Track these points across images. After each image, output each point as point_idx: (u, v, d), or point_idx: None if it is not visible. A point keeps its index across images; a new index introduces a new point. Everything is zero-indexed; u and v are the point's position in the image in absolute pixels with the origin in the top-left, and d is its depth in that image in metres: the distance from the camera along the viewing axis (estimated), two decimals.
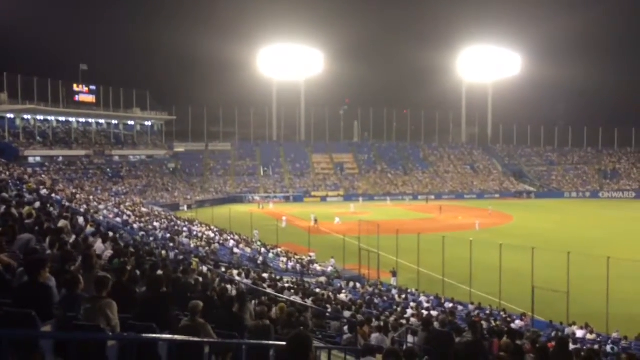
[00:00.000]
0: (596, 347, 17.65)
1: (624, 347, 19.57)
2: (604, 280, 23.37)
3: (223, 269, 21.85)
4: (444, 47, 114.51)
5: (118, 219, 33.20)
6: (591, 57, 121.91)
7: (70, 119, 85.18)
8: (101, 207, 36.92)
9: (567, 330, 20.97)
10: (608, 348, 18.48)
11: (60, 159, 76.08)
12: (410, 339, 12.39)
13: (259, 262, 31.47)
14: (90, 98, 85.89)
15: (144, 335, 5.56)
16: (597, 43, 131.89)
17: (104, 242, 13.09)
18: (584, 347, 16.35)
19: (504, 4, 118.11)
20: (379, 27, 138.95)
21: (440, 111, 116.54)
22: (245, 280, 18.60)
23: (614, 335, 21.29)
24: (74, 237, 12.55)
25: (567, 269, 24.22)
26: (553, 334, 19.38)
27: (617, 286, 24.23)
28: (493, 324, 19.43)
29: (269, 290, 16.44)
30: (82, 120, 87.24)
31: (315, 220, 53.11)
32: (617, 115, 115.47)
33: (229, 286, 14.33)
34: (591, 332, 21.06)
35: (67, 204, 26.85)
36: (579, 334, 20.64)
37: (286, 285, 20.72)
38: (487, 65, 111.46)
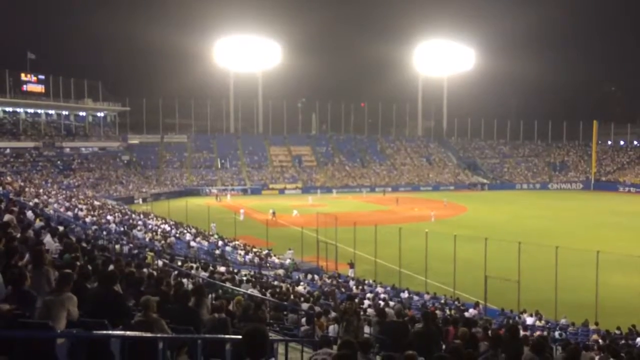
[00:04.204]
0: (545, 333, 18.29)
1: (572, 333, 20.37)
2: (552, 268, 24.22)
3: (179, 263, 21.54)
4: (401, 40, 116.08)
5: (69, 213, 32.25)
6: (542, 52, 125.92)
7: (18, 110, 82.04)
8: (51, 200, 35.82)
9: (518, 318, 21.63)
10: (556, 334, 19.18)
11: (8, 150, 73.23)
12: (366, 329, 12.51)
13: (216, 255, 31.16)
14: (39, 88, 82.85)
15: (95, 332, 5.42)
16: (547, 39, 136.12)
17: (53, 236, 12.67)
18: (534, 334, 16.91)
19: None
20: (337, 20, 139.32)
21: (397, 104, 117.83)
22: (202, 274, 18.38)
23: (562, 321, 22.10)
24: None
25: (518, 259, 24.98)
26: (504, 321, 19.95)
27: (565, 274, 25.17)
28: (448, 312, 19.87)
29: (227, 284, 16.29)
30: (31, 110, 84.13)
31: (273, 213, 52.99)
32: (565, 109, 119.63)
33: (184, 280, 14.14)
34: (540, 319, 21.79)
35: (15, 197, 25.91)
36: (529, 321, 21.32)
37: (244, 278, 20.60)
38: (442, 59, 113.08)
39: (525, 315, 22.12)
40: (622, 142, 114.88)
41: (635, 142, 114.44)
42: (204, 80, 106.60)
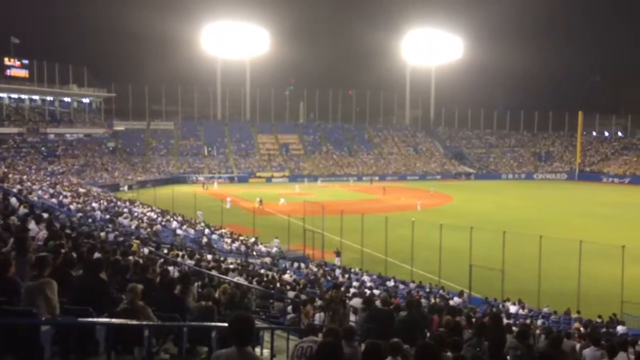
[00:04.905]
0: (528, 321, 18.55)
1: (554, 321, 20.68)
2: (536, 257, 24.53)
3: (165, 251, 21.47)
4: (389, 29, 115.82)
5: (53, 200, 31.94)
6: (529, 43, 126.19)
7: (1, 95, 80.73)
8: (35, 187, 35.45)
9: (502, 306, 21.90)
10: (539, 322, 19.45)
11: None
12: (352, 317, 12.60)
13: (203, 243, 31.11)
14: (23, 73, 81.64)
15: (80, 319, 5.40)
16: (534, 30, 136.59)
17: (37, 223, 12.57)
18: (517, 322, 17.15)
19: None
20: (325, 8, 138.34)
21: (385, 93, 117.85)
22: (188, 262, 18.35)
23: (545, 310, 22.43)
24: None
25: (503, 248, 25.25)
26: (488, 309, 20.18)
27: (548, 263, 25.53)
28: (433, 301, 20.05)
29: (213, 272, 16.29)
30: (15, 96, 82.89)
31: (260, 201, 52.96)
32: (551, 100, 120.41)
33: (170, 268, 14.12)
34: (523, 308, 22.10)
35: None
36: (512, 309, 21.61)
37: (230, 266, 20.61)
38: (431, 48, 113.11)
39: (508, 304, 22.40)
40: (606, 133, 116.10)
41: (620, 134, 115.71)
42: (191, 66, 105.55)
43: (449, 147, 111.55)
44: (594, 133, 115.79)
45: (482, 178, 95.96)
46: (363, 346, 8.51)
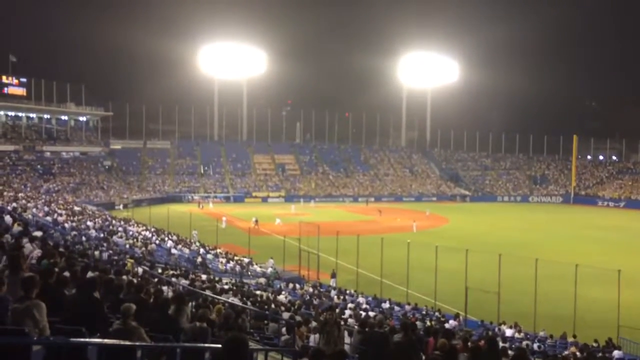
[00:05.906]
0: (524, 345, 18.41)
1: (550, 346, 20.54)
2: (532, 280, 24.46)
3: (159, 270, 21.32)
4: (386, 52, 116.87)
5: (48, 218, 31.81)
6: (524, 67, 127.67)
7: None
8: (30, 205, 35.31)
9: (497, 330, 21.75)
10: (535, 346, 19.32)
11: None
12: (347, 340, 12.48)
13: (197, 263, 30.92)
14: (21, 91, 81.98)
15: (72, 339, 5.34)
16: (529, 54, 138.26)
17: (31, 241, 12.49)
18: (513, 346, 17.02)
19: (443, 12, 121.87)
20: (322, 30, 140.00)
21: (381, 115, 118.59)
22: (182, 282, 18.22)
23: (541, 334, 22.30)
24: None
25: (499, 270, 25.17)
26: (484, 333, 20.04)
27: (544, 286, 25.44)
28: (428, 323, 19.92)
29: (207, 292, 16.16)
30: (12, 113, 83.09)
31: (256, 221, 52.84)
32: (546, 123, 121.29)
33: (164, 288, 14.01)
34: (519, 331, 21.95)
35: None
36: (508, 333, 21.46)
37: (225, 286, 20.46)
38: (427, 71, 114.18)
39: (504, 327, 22.26)
40: (601, 157, 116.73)
41: (614, 157, 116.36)
42: (188, 86, 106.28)
43: (445, 169, 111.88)
44: (589, 157, 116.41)
45: (478, 200, 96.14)
46: None
